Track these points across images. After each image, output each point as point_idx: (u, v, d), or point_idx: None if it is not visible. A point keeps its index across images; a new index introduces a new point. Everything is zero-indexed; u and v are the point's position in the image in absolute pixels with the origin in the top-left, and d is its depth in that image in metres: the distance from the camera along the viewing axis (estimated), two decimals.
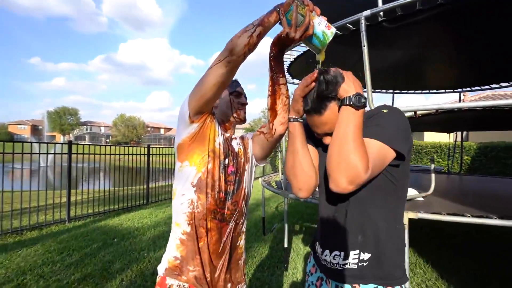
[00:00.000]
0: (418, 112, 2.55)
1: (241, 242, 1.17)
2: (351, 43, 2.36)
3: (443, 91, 4.99)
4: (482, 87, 4.49)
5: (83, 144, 5.21)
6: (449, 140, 11.71)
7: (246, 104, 1.25)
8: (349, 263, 0.92)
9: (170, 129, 63.13)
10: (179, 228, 1.06)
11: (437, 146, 11.40)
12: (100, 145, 5.47)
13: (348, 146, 0.78)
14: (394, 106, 0.97)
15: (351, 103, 0.82)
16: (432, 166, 2.60)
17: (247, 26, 0.92)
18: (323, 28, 0.94)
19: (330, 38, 0.94)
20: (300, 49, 3.12)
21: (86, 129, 57.79)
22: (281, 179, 3.77)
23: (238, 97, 1.24)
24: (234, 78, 1.12)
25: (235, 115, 1.21)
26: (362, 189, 0.87)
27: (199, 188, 1.06)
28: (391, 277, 0.90)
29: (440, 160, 10.79)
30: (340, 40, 2.42)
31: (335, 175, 0.79)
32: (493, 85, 4.37)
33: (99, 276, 2.74)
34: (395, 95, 5.14)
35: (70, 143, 4.80)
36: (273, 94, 1.09)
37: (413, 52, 3.00)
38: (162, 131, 62.61)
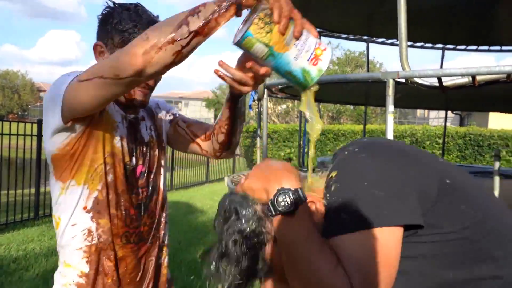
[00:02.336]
0: (478, 78, 2.60)
1: (166, 260, 1.35)
2: None
3: None
4: None
5: None
6: None
7: (151, 83, 1.20)
8: None
9: None
10: (74, 270, 1.16)
11: (508, 137, 11.91)
12: None
13: (300, 274, 0.78)
14: (360, 143, 0.90)
15: (274, 213, 0.78)
16: (497, 165, 2.70)
17: (177, 28, 0.84)
18: (304, 64, 0.83)
19: (315, 79, 0.84)
20: None
21: None
22: None
23: None
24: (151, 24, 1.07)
25: (126, 95, 1.17)
26: None
27: (97, 212, 1.15)
28: None
29: (510, 157, 11.30)
30: None
31: None
32: None
33: None
34: (445, 52, 5.27)
35: None
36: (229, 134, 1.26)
37: None
38: None
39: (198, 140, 1.36)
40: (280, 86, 3.43)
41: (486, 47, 5.23)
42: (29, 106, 48.91)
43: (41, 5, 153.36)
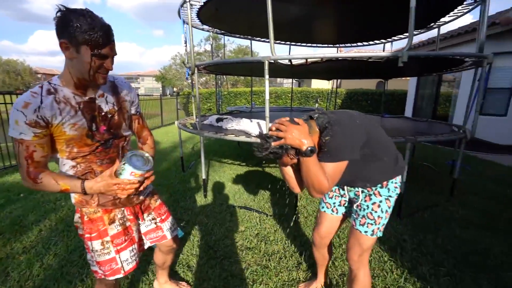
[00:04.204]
0: (309, 61, 2.79)
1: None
2: None
3: (326, 45, 5.54)
4: (352, 44, 5.22)
5: None
6: (328, 86, 13.42)
7: (110, 69, 0.99)
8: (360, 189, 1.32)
9: None
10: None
11: (320, 92, 12.98)
12: None
13: (312, 179, 1.04)
14: (341, 115, 1.10)
15: (305, 155, 1.02)
16: (317, 105, 3.02)
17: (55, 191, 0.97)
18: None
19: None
20: None
21: None
22: (196, 121, 3.73)
23: (101, 59, 0.95)
24: (104, 27, 0.91)
25: (92, 79, 0.98)
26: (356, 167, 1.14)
27: (75, 157, 1.05)
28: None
29: (322, 102, 12.45)
30: None
31: (310, 191, 1.08)
32: (359, 44, 5.12)
33: (9, 231, 2.34)
34: (291, 46, 5.42)
35: None
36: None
37: (307, 8, 3.14)
38: None
39: (135, 131, 1.28)
40: (203, 66, 3.27)
41: (310, 44, 5.49)
42: (31, 84, 39.63)
43: (27, 11, 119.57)
